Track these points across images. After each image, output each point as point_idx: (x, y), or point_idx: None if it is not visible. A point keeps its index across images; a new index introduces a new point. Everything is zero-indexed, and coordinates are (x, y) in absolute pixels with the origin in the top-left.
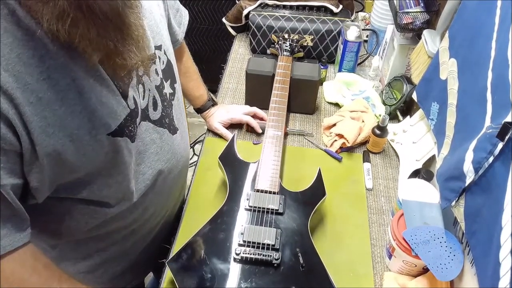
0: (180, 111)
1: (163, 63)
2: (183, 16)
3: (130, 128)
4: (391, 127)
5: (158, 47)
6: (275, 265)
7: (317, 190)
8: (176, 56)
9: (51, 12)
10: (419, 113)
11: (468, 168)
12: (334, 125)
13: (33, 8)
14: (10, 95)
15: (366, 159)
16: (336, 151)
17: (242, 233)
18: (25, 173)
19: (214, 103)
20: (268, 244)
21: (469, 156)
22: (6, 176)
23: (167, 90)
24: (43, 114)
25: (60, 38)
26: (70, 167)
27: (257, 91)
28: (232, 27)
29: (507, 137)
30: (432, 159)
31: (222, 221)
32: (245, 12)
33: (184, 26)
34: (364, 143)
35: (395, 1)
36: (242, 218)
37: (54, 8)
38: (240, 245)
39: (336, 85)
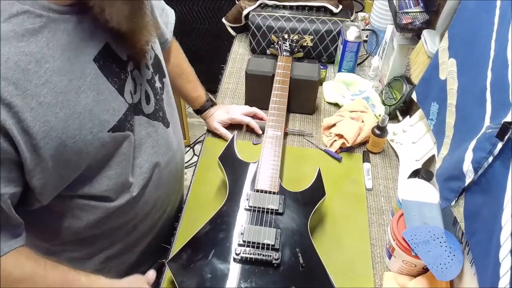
0: (170, 105)
1: (151, 57)
2: (169, 15)
3: (131, 122)
4: (391, 127)
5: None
6: (275, 265)
7: (316, 190)
8: (168, 56)
9: None
10: (419, 113)
11: (467, 168)
12: (334, 125)
13: None
14: (9, 104)
15: (366, 159)
16: (336, 151)
17: (242, 233)
18: (28, 180)
19: (213, 104)
20: (268, 244)
21: (469, 156)
22: (3, 185)
23: (157, 84)
24: (45, 119)
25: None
26: (74, 165)
27: (257, 91)
28: (232, 27)
29: (506, 137)
30: (431, 159)
31: (222, 221)
32: (244, 12)
33: (171, 25)
34: (364, 143)
35: (394, 1)
36: (242, 218)
37: None
38: (240, 245)
39: (335, 85)
